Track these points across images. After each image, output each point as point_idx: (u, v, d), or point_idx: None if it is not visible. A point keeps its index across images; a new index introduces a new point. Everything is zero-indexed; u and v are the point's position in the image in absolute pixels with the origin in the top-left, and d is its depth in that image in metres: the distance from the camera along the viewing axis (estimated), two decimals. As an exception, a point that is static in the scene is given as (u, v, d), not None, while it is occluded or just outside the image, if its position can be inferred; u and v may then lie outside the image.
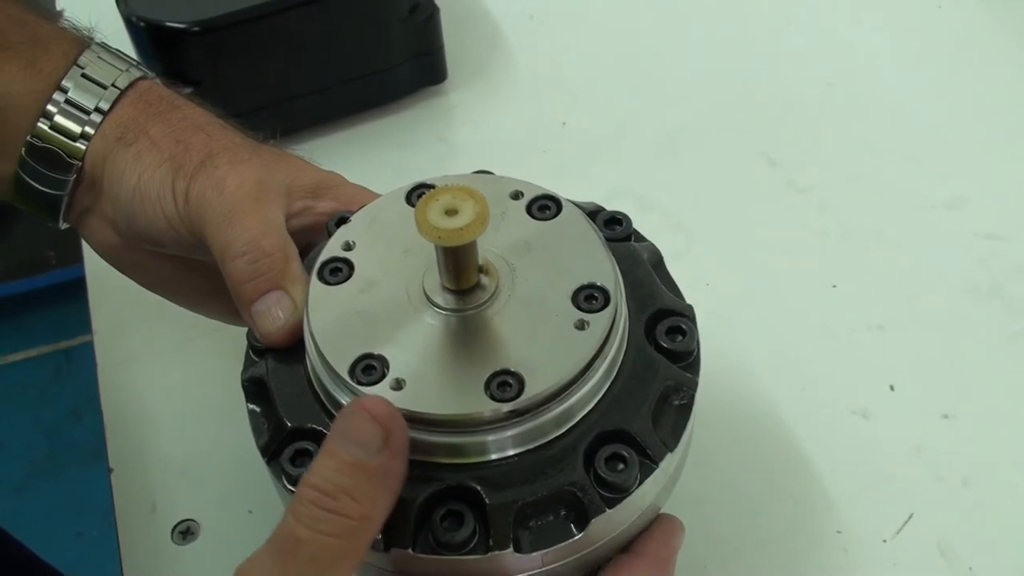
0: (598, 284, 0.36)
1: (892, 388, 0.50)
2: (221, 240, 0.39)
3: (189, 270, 0.45)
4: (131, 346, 0.54)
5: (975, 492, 0.46)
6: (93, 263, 0.56)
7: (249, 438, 0.46)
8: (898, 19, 0.67)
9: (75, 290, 1.63)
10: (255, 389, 0.38)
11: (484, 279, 0.36)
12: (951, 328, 0.52)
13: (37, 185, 0.43)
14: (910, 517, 0.46)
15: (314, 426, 0.35)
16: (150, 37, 0.57)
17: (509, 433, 0.34)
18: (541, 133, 0.62)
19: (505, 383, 0.34)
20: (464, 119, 0.63)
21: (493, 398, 0.33)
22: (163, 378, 0.53)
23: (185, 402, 0.52)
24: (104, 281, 0.57)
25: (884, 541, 0.45)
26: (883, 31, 0.67)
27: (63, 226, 0.45)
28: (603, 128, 0.62)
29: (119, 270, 0.46)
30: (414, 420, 0.33)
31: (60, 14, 0.46)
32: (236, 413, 0.49)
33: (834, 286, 0.54)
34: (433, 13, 0.61)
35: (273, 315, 0.37)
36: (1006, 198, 0.57)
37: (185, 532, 0.47)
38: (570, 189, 0.39)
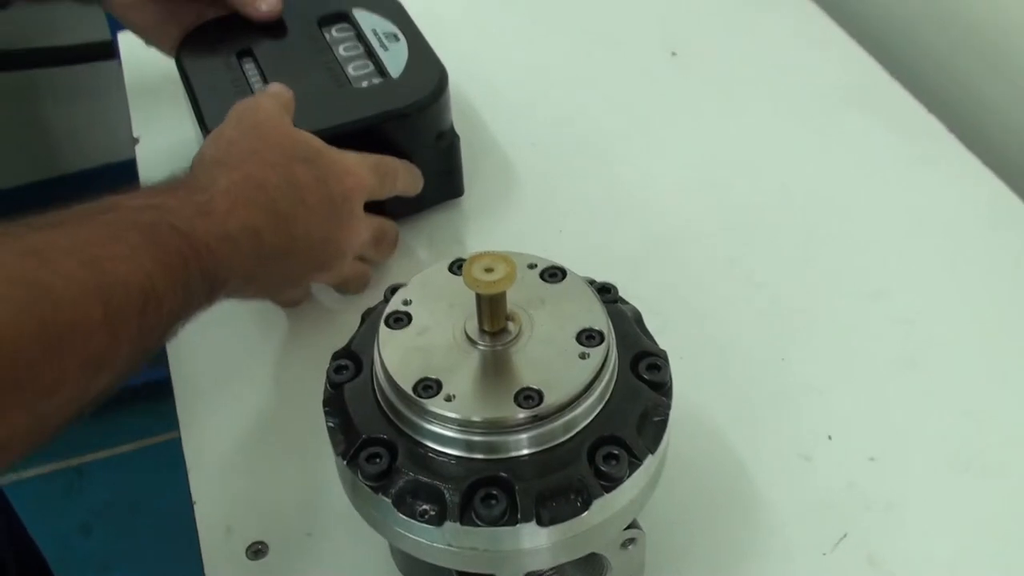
0: (595, 328, 0.48)
1: (830, 437, 0.61)
2: None
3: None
4: (211, 398, 0.65)
5: (897, 515, 0.57)
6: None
7: (307, 472, 0.58)
8: (840, 136, 0.81)
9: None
10: (333, 411, 0.49)
11: (510, 324, 0.48)
12: (878, 391, 0.64)
13: None
14: (844, 536, 0.57)
15: (382, 435, 0.47)
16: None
17: (531, 434, 0.45)
18: (542, 238, 0.73)
19: (529, 396, 0.45)
20: (478, 227, 0.75)
21: (520, 406, 0.45)
22: (236, 424, 0.63)
23: (253, 445, 0.63)
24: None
25: (823, 554, 0.56)
26: (826, 149, 0.80)
27: None
28: (594, 234, 0.74)
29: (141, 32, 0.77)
30: (461, 424, 0.45)
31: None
32: (295, 454, 0.61)
33: (783, 359, 0.66)
34: (454, 141, 0.74)
35: None
36: (918, 291, 0.70)
37: (256, 552, 0.58)
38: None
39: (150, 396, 1.81)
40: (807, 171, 0.79)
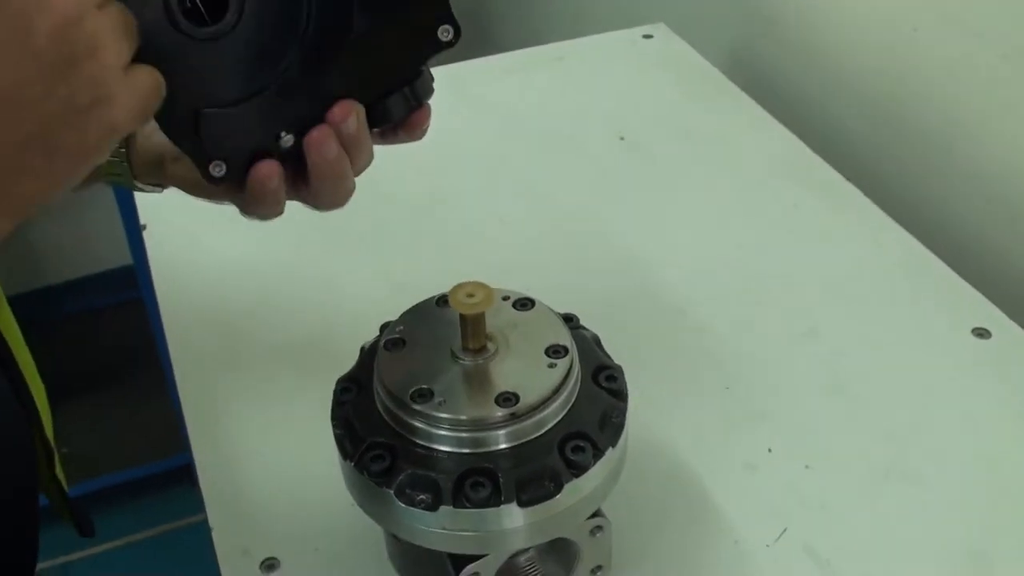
0: (561, 343, 0.57)
1: (770, 450, 0.70)
2: None
3: None
4: (221, 433, 0.73)
5: (828, 513, 0.66)
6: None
7: (313, 495, 0.66)
8: (770, 202, 0.92)
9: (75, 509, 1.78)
10: (339, 423, 0.57)
11: (489, 343, 0.56)
12: (810, 413, 0.73)
13: None
14: (784, 530, 0.65)
15: (383, 440, 0.55)
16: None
17: (510, 430, 0.53)
18: (511, 297, 0.83)
19: (507, 398, 0.54)
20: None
21: (500, 407, 0.54)
22: (246, 455, 0.71)
23: (262, 473, 0.70)
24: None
25: (767, 546, 0.64)
26: (759, 213, 0.91)
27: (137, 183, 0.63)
28: (558, 291, 0.83)
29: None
30: (452, 423, 0.53)
31: None
32: (301, 479, 0.69)
33: (727, 388, 0.75)
34: None
35: None
36: (843, 329, 0.80)
37: (270, 566, 0.65)
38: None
39: (132, 495, 1.88)
40: (742, 232, 0.90)
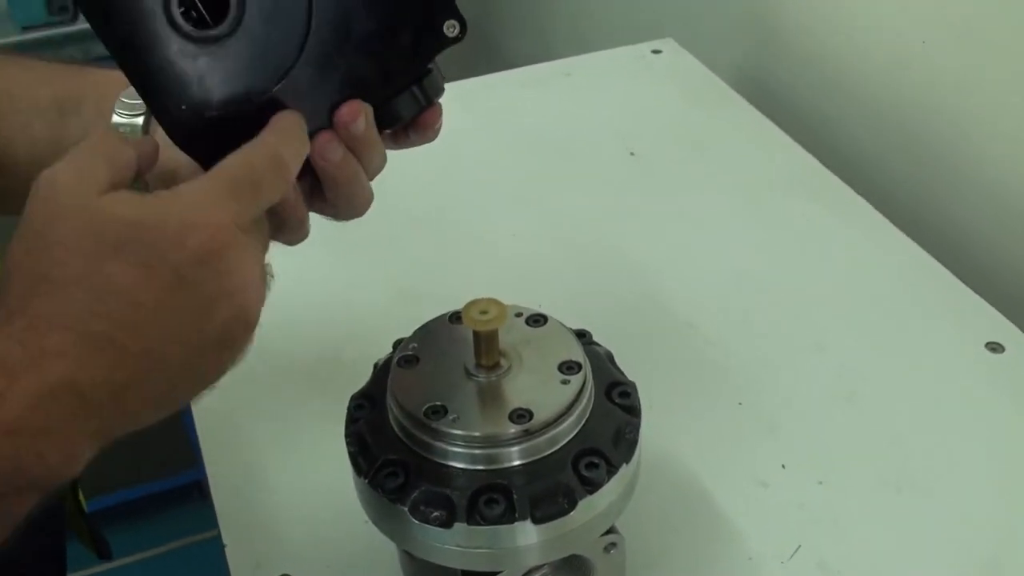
0: (574, 359, 0.57)
1: (783, 466, 0.70)
2: None
3: None
4: (237, 438, 0.73)
5: (841, 529, 0.66)
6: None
7: (327, 511, 0.66)
8: (780, 217, 0.93)
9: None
10: (353, 441, 0.57)
11: (503, 359, 0.57)
12: (822, 427, 0.73)
13: None
14: (798, 547, 0.65)
15: (397, 456, 0.55)
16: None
17: (524, 447, 0.54)
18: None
19: (521, 415, 0.54)
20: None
21: (514, 423, 0.54)
22: (258, 470, 0.72)
23: (277, 486, 0.70)
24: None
25: (782, 563, 0.64)
26: (768, 227, 0.91)
27: None
28: (569, 306, 0.83)
29: None
30: (466, 440, 0.54)
31: None
32: (314, 494, 0.69)
33: (740, 403, 0.75)
34: None
35: None
36: (852, 342, 0.80)
37: (283, 583, 0.65)
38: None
39: (144, 511, 1.89)
40: (752, 245, 0.90)
